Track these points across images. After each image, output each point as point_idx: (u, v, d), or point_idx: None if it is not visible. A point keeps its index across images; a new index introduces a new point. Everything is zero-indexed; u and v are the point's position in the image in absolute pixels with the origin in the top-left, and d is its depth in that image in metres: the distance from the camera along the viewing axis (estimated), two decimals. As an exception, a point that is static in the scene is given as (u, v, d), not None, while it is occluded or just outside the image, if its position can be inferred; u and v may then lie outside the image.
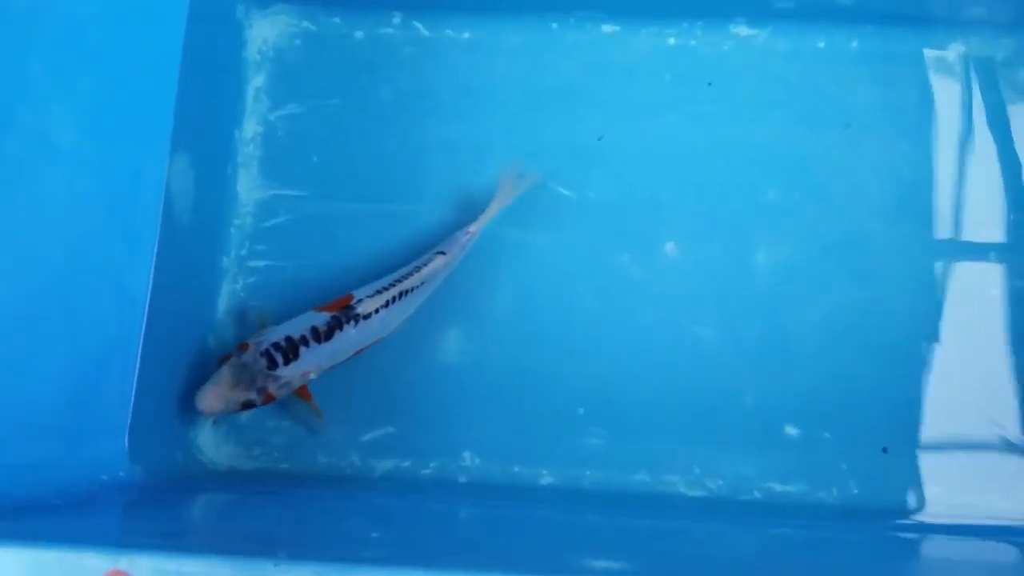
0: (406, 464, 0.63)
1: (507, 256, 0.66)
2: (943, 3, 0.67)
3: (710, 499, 0.62)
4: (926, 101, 0.67)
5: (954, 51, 0.67)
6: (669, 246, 0.66)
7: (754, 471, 0.62)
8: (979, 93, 0.67)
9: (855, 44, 0.68)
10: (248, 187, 0.68)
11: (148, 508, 0.56)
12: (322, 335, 0.59)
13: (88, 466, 0.56)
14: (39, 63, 0.53)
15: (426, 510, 0.60)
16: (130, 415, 0.58)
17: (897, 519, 0.61)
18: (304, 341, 0.59)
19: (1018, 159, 0.66)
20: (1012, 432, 0.62)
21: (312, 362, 0.59)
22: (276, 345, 0.59)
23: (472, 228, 0.64)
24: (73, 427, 0.55)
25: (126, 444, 0.58)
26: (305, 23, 0.70)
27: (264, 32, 0.70)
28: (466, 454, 0.63)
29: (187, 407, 0.62)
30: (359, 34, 0.70)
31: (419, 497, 0.61)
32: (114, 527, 0.52)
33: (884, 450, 0.61)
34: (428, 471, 0.63)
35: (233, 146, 0.68)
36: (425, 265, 0.62)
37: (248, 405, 0.59)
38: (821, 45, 0.68)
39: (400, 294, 0.61)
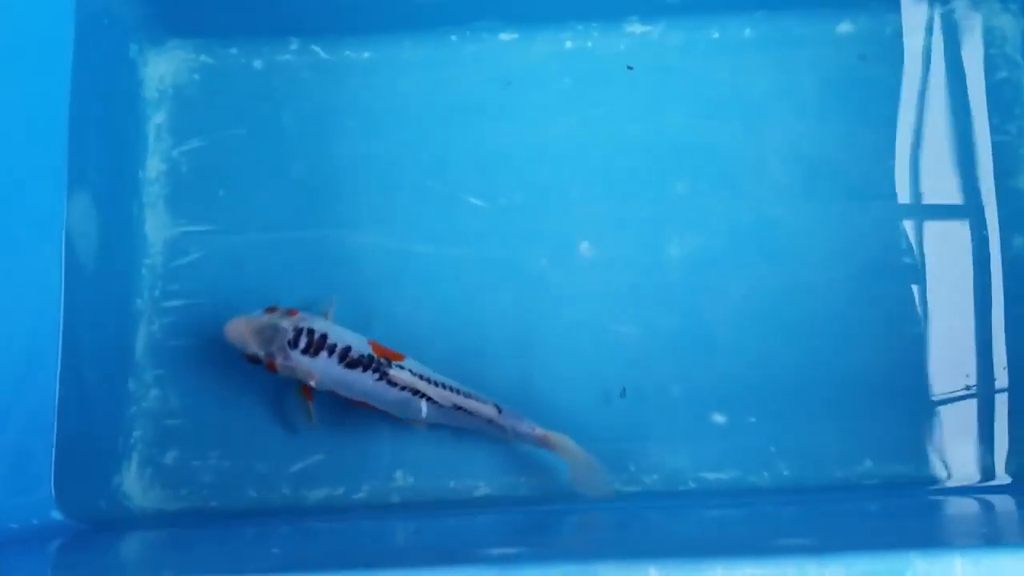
0: (339, 492, 0.62)
1: (425, 272, 0.65)
2: (830, -16, 0.69)
3: (646, 493, 0.62)
4: (822, 80, 0.68)
5: (844, 29, 0.69)
6: (584, 246, 0.66)
7: (686, 462, 0.62)
8: (870, 68, 0.68)
9: (748, 31, 0.69)
10: (156, 226, 0.67)
11: (75, 554, 0.55)
12: (346, 360, 0.59)
13: (10, 515, 0.55)
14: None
15: (362, 529, 0.59)
16: (53, 465, 0.58)
17: (831, 493, 0.61)
18: (331, 350, 0.59)
19: (918, 128, 0.67)
20: (933, 398, 0.63)
21: (320, 370, 0.59)
22: (310, 332, 0.59)
23: (538, 432, 0.60)
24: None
25: (52, 493, 0.57)
26: (202, 56, 0.70)
27: (160, 69, 0.69)
28: (398, 473, 0.62)
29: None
30: (258, 63, 0.70)
31: (354, 520, 0.61)
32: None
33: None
34: (361, 495, 0.62)
35: (138, 186, 0.67)
36: (474, 399, 0.60)
37: (253, 359, 0.60)
38: (716, 35, 0.69)
39: (427, 396, 0.59)
